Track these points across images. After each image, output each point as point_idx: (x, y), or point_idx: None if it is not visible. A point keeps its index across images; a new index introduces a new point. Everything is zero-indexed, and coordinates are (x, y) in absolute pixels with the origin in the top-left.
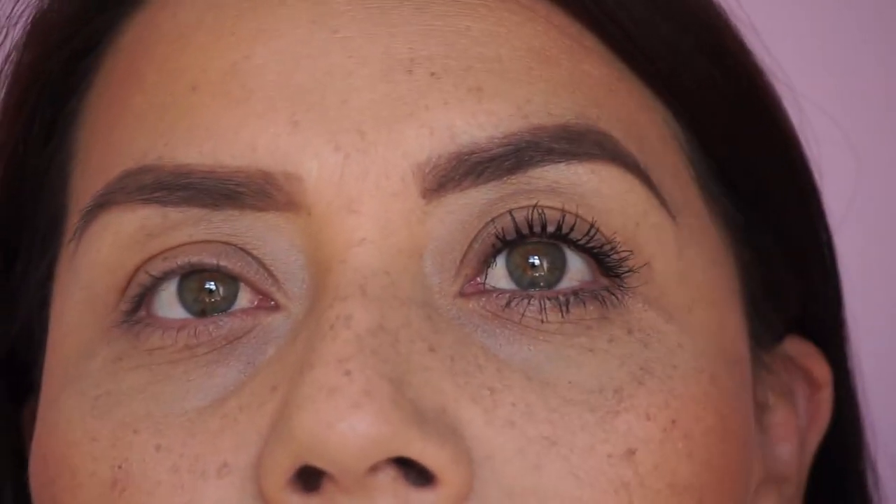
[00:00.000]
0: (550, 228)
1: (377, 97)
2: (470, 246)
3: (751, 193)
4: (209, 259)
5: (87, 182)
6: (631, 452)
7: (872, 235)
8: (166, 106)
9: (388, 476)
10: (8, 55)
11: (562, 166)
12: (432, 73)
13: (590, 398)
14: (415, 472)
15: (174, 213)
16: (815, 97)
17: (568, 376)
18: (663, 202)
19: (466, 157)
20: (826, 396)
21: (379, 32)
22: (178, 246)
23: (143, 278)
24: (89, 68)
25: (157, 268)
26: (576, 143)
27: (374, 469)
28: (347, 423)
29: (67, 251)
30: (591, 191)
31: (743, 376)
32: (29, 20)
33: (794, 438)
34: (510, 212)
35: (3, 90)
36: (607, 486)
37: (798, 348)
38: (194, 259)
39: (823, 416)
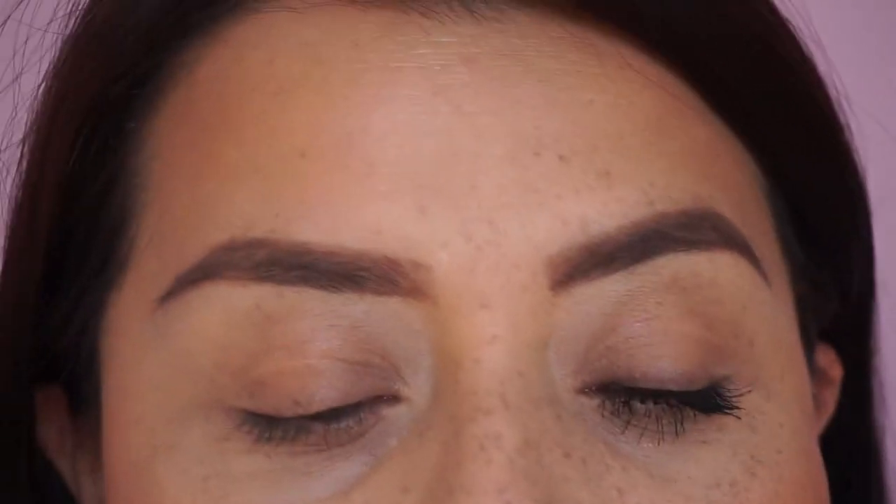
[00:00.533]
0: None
1: (506, 182)
2: (593, 347)
3: (818, 233)
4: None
5: (170, 231)
6: None
7: None
8: (271, 170)
9: None
10: (55, 67)
11: (682, 255)
12: (560, 157)
13: (708, 493)
14: None
15: (290, 293)
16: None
17: (687, 471)
18: (764, 276)
19: (598, 247)
20: (834, 393)
21: (503, 108)
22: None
23: (288, 407)
24: (157, 90)
25: (291, 410)
26: (695, 230)
27: None
28: None
29: (148, 303)
30: (708, 281)
31: (814, 425)
32: (75, 32)
33: None
34: (638, 390)
35: (52, 102)
36: None
37: (822, 354)
38: (333, 394)
39: (828, 410)
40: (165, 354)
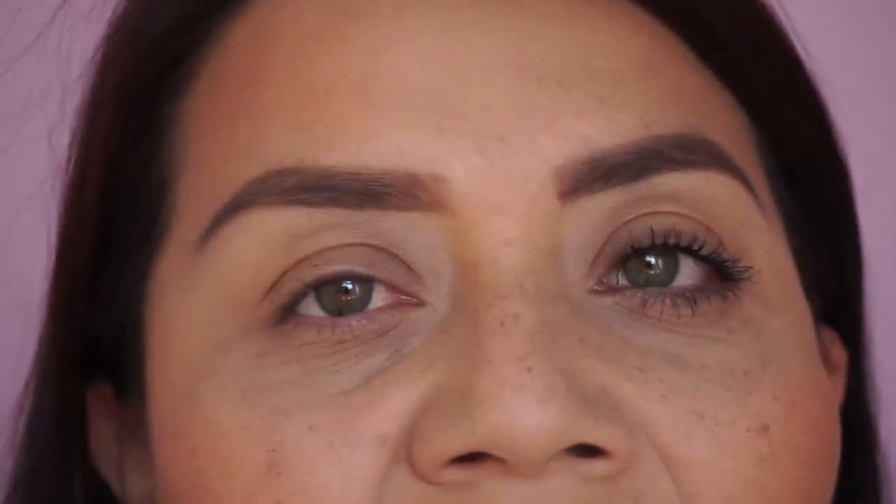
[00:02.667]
0: (683, 243)
1: (515, 106)
2: (602, 248)
3: (807, 191)
4: (359, 268)
5: (208, 183)
6: (765, 428)
7: None
8: (300, 107)
9: (564, 459)
10: (96, 57)
11: (679, 174)
12: (563, 84)
13: (723, 378)
14: (584, 448)
15: (319, 214)
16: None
17: (701, 360)
18: (760, 204)
19: (599, 162)
20: (841, 381)
21: (509, 43)
22: (326, 250)
23: (294, 285)
24: (189, 71)
25: (310, 275)
26: (691, 152)
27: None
28: (535, 419)
29: (185, 249)
30: (706, 197)
31: (820, 363)
32: (115, 22)
33: None
34: (651, 225)
35: (94, 91)
36: (748, 459)
37: (823, 332)
38: (345, 267)
39: (838, 398)
40: (205, 291)
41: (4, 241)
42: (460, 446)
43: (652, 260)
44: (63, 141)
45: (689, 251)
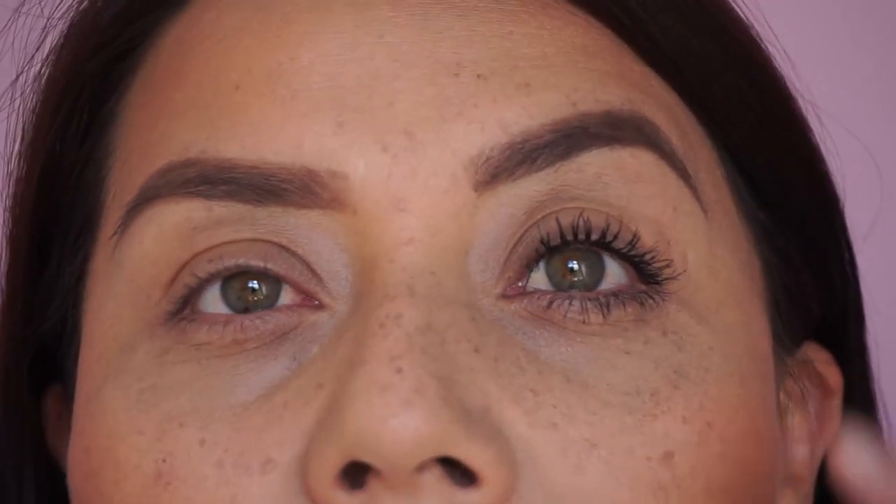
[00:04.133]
0: (594, 236)
1: (424, 99)
2: (514, 248)
3: (775, 199)
4: (255, 262)
5: (127, 178)
6: (669, 455)
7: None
8: (208, 103)
9: (434, 475)
10: (46, 57)
11: (606, 150)
12: (479, 75)
13: (627, 400)
14: (458, 472)
15: (218, 208)
16: (838, 114)
17: (606, 378)
18: (696, 194)
19: (520, 145)
20: (837, 404)
21: (423, 38)
22: (223, 244)
23: (189, 279)
24: (128, 69)
25: (204, 269)
26: (619, 128)
27: (420, 468)
28: (399, 420)
29: (107, 246)
30: (632, 174)
31: (768, 377)
32: (66, 22)
33: (808, 441)
34: (556, 217)
35: (41, 91)
36: (646, 489)
37: (814, 354)
38: (241, 261)
39: (834, 423)
40: (117, 288)
41: None
42: (334, 454)
43: (574, 265)
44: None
45: (604, 245)
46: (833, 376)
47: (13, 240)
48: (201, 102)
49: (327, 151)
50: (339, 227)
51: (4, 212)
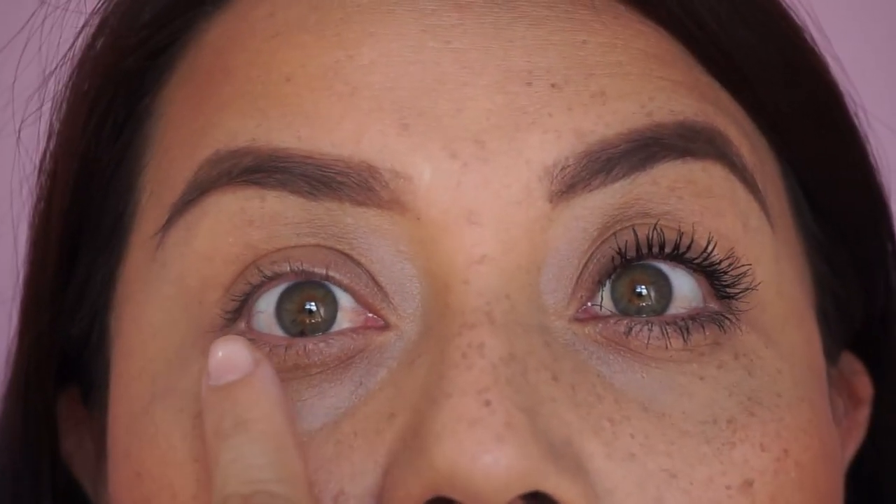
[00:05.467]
0: (668, 249)
1: (495, 107)
2: (585, 266)
3: (831, 211)
4: (319, 269)
5: (166, 174)
6: (748, 484)
7: None
8: (257, 94)
9: None
10: (80, 56)
11: (678, 163)
12: (553, 85)
13: (705, 429)
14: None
15: (271, 198)
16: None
17: (682, 406)
18: (764, 208)
19: (597, 154)
20: (865, 414)
21: (493, 46)
22: (287, 248)
23: (252, 276)
24: (166, 66)
25: (269, 267)
26: (692, 140)
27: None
28: (492, 456)
29: (147, 246)
30: (703, 189)
31: (826, 394)
32: (98, 19)
33: None
34: (633, 227)
35: (73, 89)
36: None
37: (848, 364)
38: (305, 266)
39: (860, 433)
40: (163, 291)
41: None
42: (420, 488)
43: (643, 290)
44: (34, 140)
45: (678, 258)
46: (865, 387)
47: (38, 242)
48: (249, 93)
49: (390, 151)
50: (400, 232)
51: (29, 214)
